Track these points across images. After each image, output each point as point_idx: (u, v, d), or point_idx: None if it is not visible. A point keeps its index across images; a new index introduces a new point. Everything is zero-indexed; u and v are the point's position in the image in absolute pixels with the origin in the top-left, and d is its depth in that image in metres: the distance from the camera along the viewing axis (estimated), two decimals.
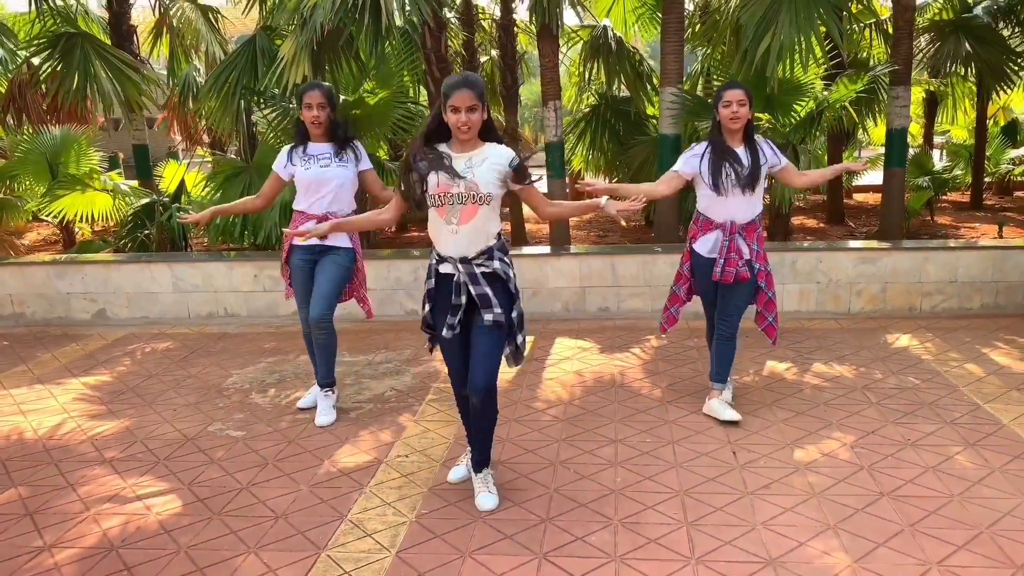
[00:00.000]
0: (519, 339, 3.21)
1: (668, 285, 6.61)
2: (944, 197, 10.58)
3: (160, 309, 6.80)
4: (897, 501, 3.22)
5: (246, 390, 4.94)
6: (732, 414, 4.06)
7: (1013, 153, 11.50)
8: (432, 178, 3.02)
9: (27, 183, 9.13)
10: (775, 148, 4.07)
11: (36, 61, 8.22)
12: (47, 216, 8.05)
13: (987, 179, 11.18)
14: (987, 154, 10.86)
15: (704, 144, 3.98)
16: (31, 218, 9.73)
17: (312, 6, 5.67)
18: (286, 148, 4.29)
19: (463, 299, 3.09)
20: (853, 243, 6.71)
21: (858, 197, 11.85)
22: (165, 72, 9.90)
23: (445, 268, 3.14)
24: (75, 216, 7.76)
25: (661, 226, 7.15)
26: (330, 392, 4.42)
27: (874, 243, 6.55)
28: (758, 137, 4.02)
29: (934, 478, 3.42)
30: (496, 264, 3.10)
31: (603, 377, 4.93)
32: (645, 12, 9.33)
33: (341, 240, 4.21)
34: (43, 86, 9.07)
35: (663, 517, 3.16)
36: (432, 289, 3.22)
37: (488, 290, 3.08)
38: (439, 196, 3.02)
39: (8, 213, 8.66)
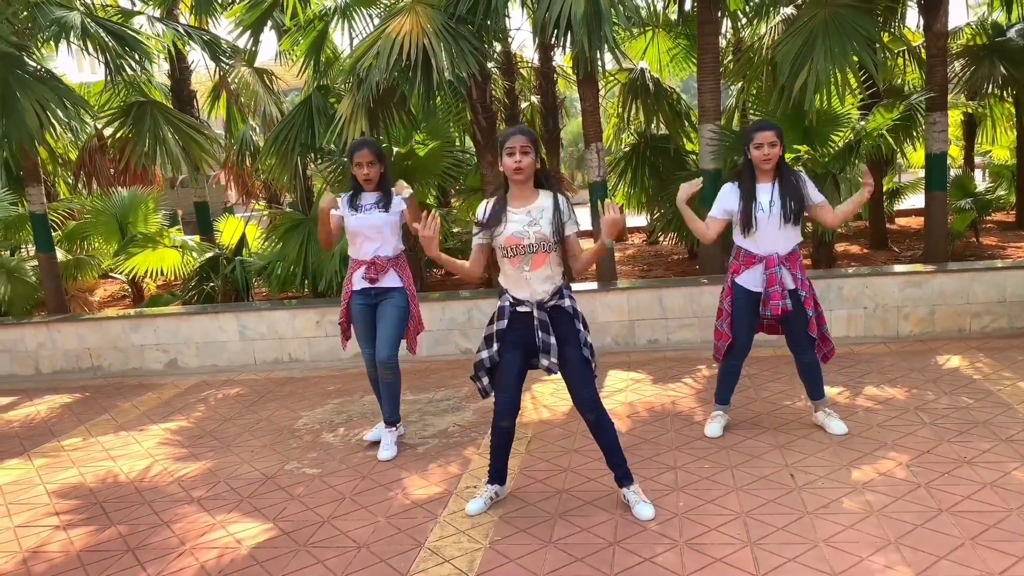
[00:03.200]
0: (592, 360, 3.59)
1: (713, 317, 6.79)
2: (988, 218, 10.55)
3: (228, 357, 7.15)
4: (956, 516, 3.32)
5: (316, 430, 5.20)
6: (839, 426, 4.33)
7: None
8: (504, 230, 3.42)
9: (97, 242, 9.66)
10: (811, 184, 4.15)
11: (109, 130, 8.78)
12: (121, 273, 8.51)
13: None
14: None
15: (733, 185, 4.13)
16: (100, 275, 10.26)
17: (368, 67, 6.04)
18: (345, 195, 4.61)
19: (552, 338, 3.46)
20: (899, 267, 6.79)
21: (901, 221, 11.86)
22: (222, 132, 10.43)
23: (523, 308, 3.50)
24: (146, 272, 8.21)
25: (705, 257, 7.31)
26: (394, 429, 4.66)
27: (919, 266, 6.63)
28: (798, 170, 4.20)
29: (992, 493, 3.50)
30: (566, 302, 3.52)
31: (656, 407, 5.08)
32: (679, 52, 9.61)
33: (394, 280, 4.49)
34: (111, 151, 9.67)
35: (726, 538, 3.29)
36: (504, 329, 3.50)
37: (552, 339, 3.47)
38: (511, 248, 3.41)
39: (82, 271, 9.17)
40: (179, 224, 12.64)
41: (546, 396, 5.50)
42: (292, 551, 3.51)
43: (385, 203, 4.47)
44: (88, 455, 5.08)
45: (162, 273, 8.33)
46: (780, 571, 3.01)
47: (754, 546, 3.20)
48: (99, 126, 10.02)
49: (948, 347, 5.91)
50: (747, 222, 4.04)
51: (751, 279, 4.14)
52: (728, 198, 4.14)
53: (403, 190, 4.47)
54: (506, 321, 3.51)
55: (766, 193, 4.03)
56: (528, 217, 3.43)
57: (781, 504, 3.55)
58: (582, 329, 3.55)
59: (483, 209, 3.58)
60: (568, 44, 6.03)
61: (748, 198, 4.04)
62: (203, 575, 3.37)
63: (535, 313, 3.46)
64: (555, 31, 5.88)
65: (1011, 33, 8.78)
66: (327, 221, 4.51)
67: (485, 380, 3.65)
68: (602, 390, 5.53)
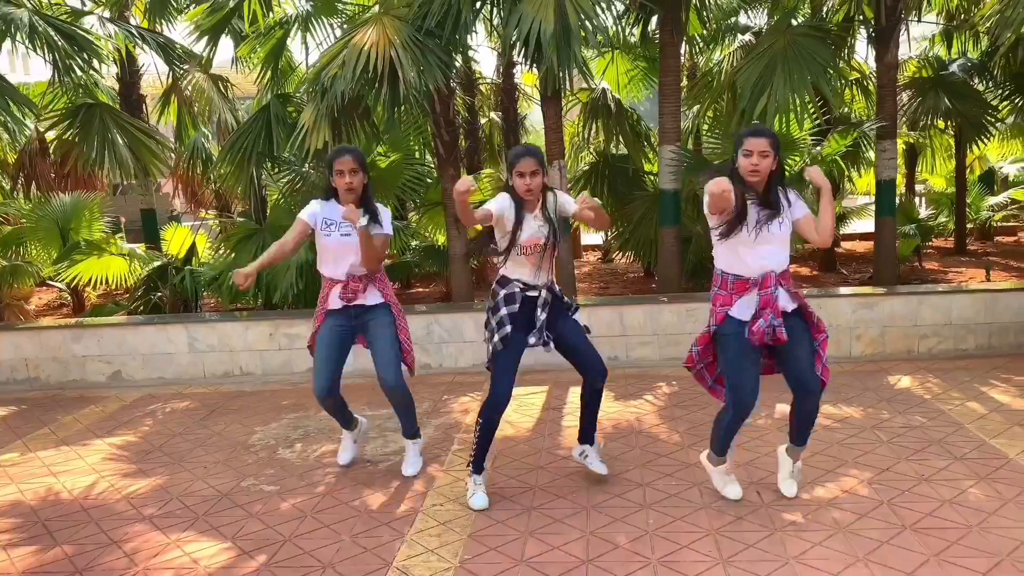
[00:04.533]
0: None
1: (675, 334, 6.87)
2: (930, 244, 10.94)
3: (176, 370, 6.91)
4: (919, 533, 3.38)
5: (272, 446, 5.05)
6: (790, 488, 3.83)
7: (991, 200, 11.94)
8: (523, 234, 3.75)
9: (35, 248, 9.28)
10: (798, 195, 3.59)
11: (53, 132, 8.47)
12: (63, 281, 8.18)
13: (969, 225, 11.57)
14: (968, 201, 11.27)
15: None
16: (36, 283, 9.85)
17: (333, 76, 5.96)
18: (317, 202, 4.15)
19: (544, 318, 3.83)
20: (851, 289, 6.96)
21: (846, 245, 12.20)
22: (171, 138, 10.15)
23: (532, 293, 3.85)
24: (89, 280, 7.90)
25: (664, 277, 7.38)
26: (418, 440, 4.48)
27: (871, 289, 6.82)
28: (793, 192, 3.58)
29: (951, 510, 3.58)
30: (557, 289, 4.03)
31: (621, 424, 5.08)
32: (637, 74, 9.75)
33: (375, 297, 4.15)
34: (54, 154, 9.33)
35: (698, 555, 3.29)
36: (515, 313, 3.80)
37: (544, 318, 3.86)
38: (531, 247, 3.78)
39: (18, 279, 8.78)
40: (122, 232, 12.23)
41: (510, 413, 5.42)
42: (253, 571, 3.38)
43: (370, 219, 4.04)
44: (27, 471, 4.83)
45: (106, 282, 8.03)
46: None
47: (726, 564, 3.20)
48: (41, 128, 9.66)
49: (899, 367, 6.07)
50: (740, 217, 3.38)
51: (744, 306, 3.48)
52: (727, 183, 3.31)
53: (357, 218, 3.91)
54: (517, 305, 3.81)
55: (754, 207, 3.46)
56: (540, 220, 3.81)
57: (750, 521, 3.57)
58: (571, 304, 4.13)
59: (501, 202, 3.74)
60: (536, 62, 6.04)
61: (742, 202, 3.38)
62: None
63: (543, 295, 3.84)
64: (523, 49, 5.89)
65: (953, 67, 9.16)
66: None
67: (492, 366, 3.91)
68: (565, 406, 5.52)
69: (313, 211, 4.13)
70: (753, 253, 3.45)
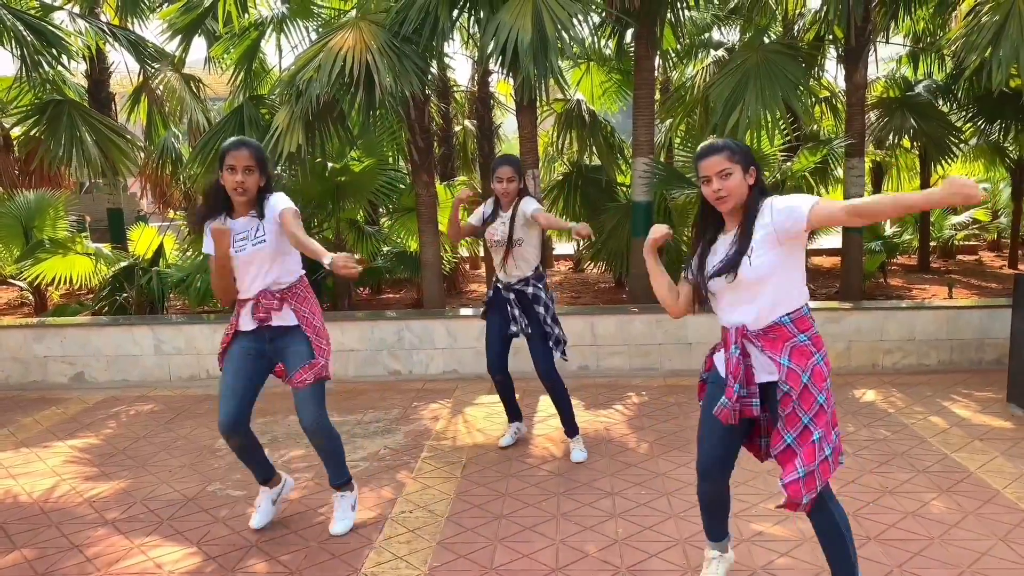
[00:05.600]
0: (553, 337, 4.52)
1: (645, 344, 6.93)
2: (895, 261, 11.14)
3: (141, 372, 6.80)
4: (883, 544, 3.43)
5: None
6: None
7: (954, 219, 12.21)
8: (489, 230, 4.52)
9: None
10: (787, 201, 2.58)
11: (19, 128, 8.30)
12: (26, 279, 8.01)
13: (932, 243, 11.81)
14: (931, 220, 11.51)
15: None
16: None
17: (308, 79, 5.93)
18: (207, 227, 3.45)
19: (518, 312, 4.50)
20: (818, 304, 7.06)
21: (814, 260, 12.39)
22: (141, 137, 10.01)
23: (499, 286, 4.56)
24: (53, 280, 7.75)
25: (635, 288, 7.43)
26: (347, 492, 3.75)
27: (837, 303, 6.93)
28: (768, 202, 2.63)
29: (914, 523, 3.65)
30: (530, 290, 4.46)
31: (590, 433, 5.10)
32: (612, 86, 9.83)
33: (288, 319, 3.52)
34: (18, 151, 9.14)
35: (667, 564, 3.31)
36: (491, 298, 4.65)
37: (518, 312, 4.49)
38: (492, 243, 4.51)
39: None
40: (87, 231, 12.01)
41: (480, 420, 5.45)
42: None
43: (258, 227, 3.38)
44: None
45: (70, 281, 7.87)
46: None
47: (694, 572, 3.23)
48: (6, 124, 9.47)
49: (863, 381, 6.17)
50: (700, 282, 2.80)
51: (722, 360, 2.82)
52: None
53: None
54: (491, 292, 4.61)
55: (723, 249, 2.73)
56: (503, 219, 4.44)
57: None
58: (542, 311, 4.46)
59: (484, 207, 4.61)
60: (513, 71, 6.07)
61: (704, 248, 2.81)
62: None
63: (502, 292, 4.50)
64: (500, 58, 5.91)
65: (919, 88, 9.37)
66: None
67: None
68: (535, 415, 5.52)
69: (208, 243, 3.48)
70: (721, 305, 2.77)
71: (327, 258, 2.99)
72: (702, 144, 2.76)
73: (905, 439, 4.80)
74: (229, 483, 4.42)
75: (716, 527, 3.04)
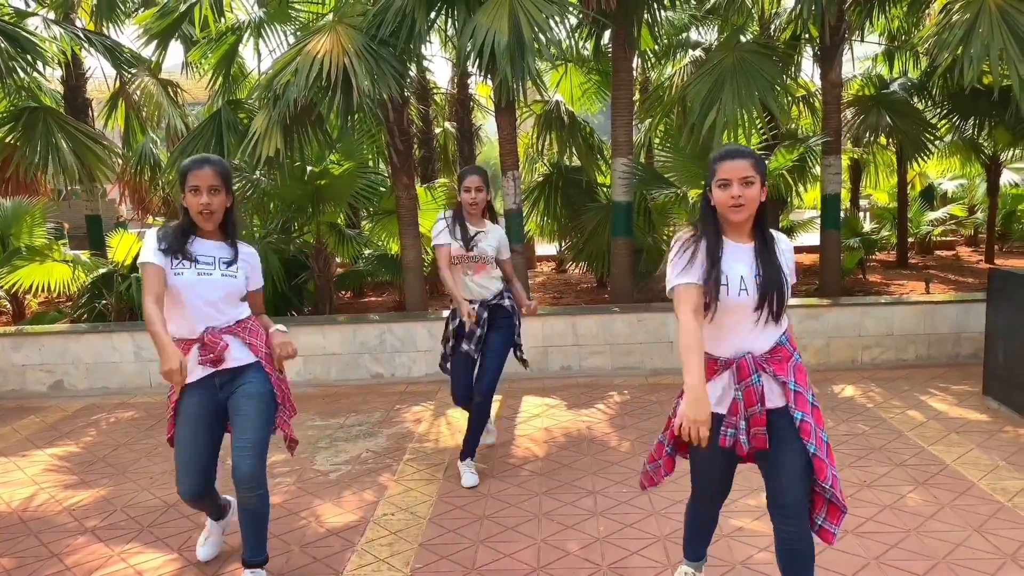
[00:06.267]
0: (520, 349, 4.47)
1: (626, 343, 6.96)
2: (873, 257, 11.26)
3: (121, 379, 6.75)
4: (861, 537, 3.47)
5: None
6: None
7: (931, 215, 12.37)
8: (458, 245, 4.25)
9: None
10: (786, 245, 2.62)
11: None
12: (2, 287, 7.94)
13: (910, 239, 11.95)
14: (909, 216, 11.65)
15: (688, 234, 2.59)
16: None
17: (285, 83, 5.91)
18: (152, 237, 3.01)
19: (479, 331, 4.27)
20: (797, 300, 7.13)
21: (795, 258, 12.52)
22: (118, 143, 9.93)
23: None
24: (31, 287, 7.68)
25: (616, 288, 7.46)
26: (259, 572, 3.14)
27: (816, 300, 6.99)
28: (775, 233, 2.59)
29: (891, 515, 3.69)
30: (506, 302, 4.34)
31: (572, 432, 5.12)
32: (590, 87, 9.87)
33: (243, 354, 3.08)
34: None
35: (648, 561, 3.33)
36: (458, 327, 4.35)
37: (479, 332, 4.28)
38: (458, 258, 4.24)
39: None
40: (65, 238, 11.90)
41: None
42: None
43: (231, 258, 3.08)
44: None
45: (49, 289, 7.80)
46: None
47: (675, 569, 3.25)
48: None
49: (842, 377, 6.23)
50: (709, 298, 2.48)
51: (712, 393, 2.55)
52: (686, 256, 2.52)
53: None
54: (458, 320, 4.31)
55: (743, 260, 2.51)
56: (478, 236, 4.27)
57: None
58: (517, 323, 4.37)
59: (444, 219, 4.31)
60: (490, 73, 6.08)
61: (713, 259, 2.49)
62: None
63: (480, 309, 4.23)
64: (478, 60, 5.92)
65: (894, 86, 9.48)
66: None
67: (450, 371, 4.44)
68: (518, 415, 5.53)
69: (155, 252, 2.95)
70: (731, 333, 2.54)
71: (279, 333, 3.21)
72: (726, 145, 2.62)
73: (883, 433, 4.85)
74: None
75: (700, 547, 2.94)
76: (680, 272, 2.50)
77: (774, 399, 2.52)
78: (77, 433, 5.59)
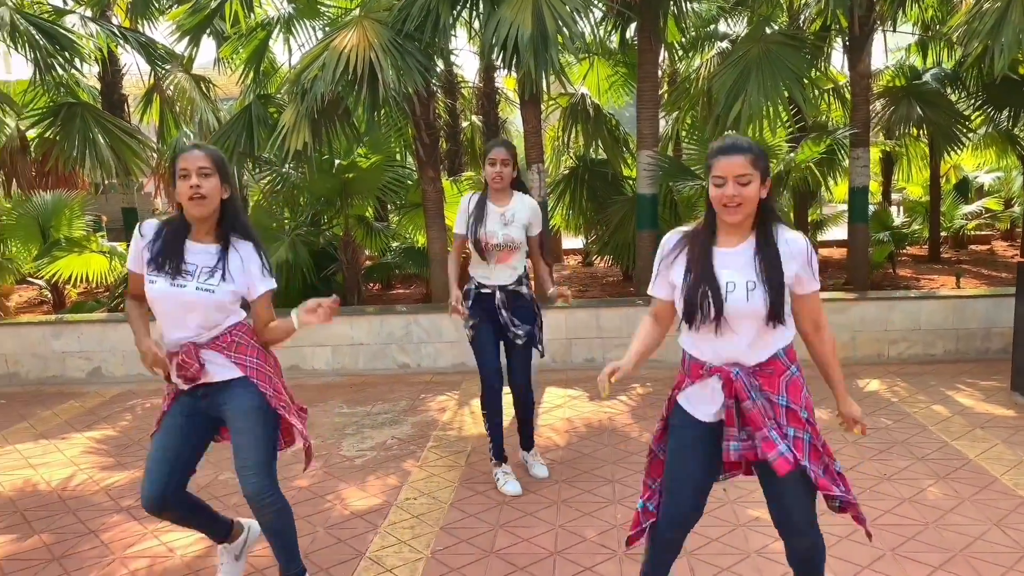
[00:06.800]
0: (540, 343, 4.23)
1: None
2: (904, 251, 11.12)
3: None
4: (878, 529, 3.49)
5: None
6: None
7: (966, 209, 12.16)
8: (483, 227, 3.99)
9: (15, 246, 9.25)
10: (813, 256, 2.37)
11: (34, 131, 8.47)
12: (44, 277, 8.18)
13: (943, 233, 11.77)
14: (942, 210, 11.47)
15: (675, 238, 2.48)
16: (16, 280, 9.82)
17: (313, 78, 6.02)
18: (135, 238, 2.79)
19: (509, 315, 4.09)
20: (823, 294, 7.08)
21: (823, 252, 12.37)
22: (154, 137, 10.15)
23: (486, 291, 4.09)
24: (69, 277, 7.91)
25: (641, 281, 7.48)
26: None
27: (842, 293, 6.95)
28: (788, 233, 2.37)
29: (910, 508, 3.70)
30: (524, 289, 4.12)
31: (593, 423, 5.18)
32: (617, 80, 9.87)
33: (227, 370, 2.80)
34: (34, 153, 9.32)
35: None
36: (471, 308, 4.10)
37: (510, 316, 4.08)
38: (483, 243, 3.99)
39: None
40: (103, 231, 12.19)
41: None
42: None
43: (213, 265, 2.72)
44: (5, 463, 4.85)
45: (87, 279, 8.03)
46: None
47: (690, 556, 3.30)
48: (22, 127, 9.64)
49: (868, 371, 6.20)
50: (689, 311, 2.36)
51: (696, 400, 2.48)
52: (666, 260, 2.47)
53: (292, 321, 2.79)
54: (471, 301, 4.07)
55: (734, 262, 2.35)
56: (502, 219, 3.99)
57: (715, 517, 3.66)
58: (538, 311, 4.18)
59: (467, 203, 4.06)
60: (514, 66, 6.13)
61: (699, 266, 2.36)
62: None
63: (497, 295, 4.04)
64: (502, 53, 5.98)
65: (927, 77, 9.34)
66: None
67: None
68: (540, 405, 5.59)
69: (136, 247, 2.77)
70: (716, 341, 2.39)
71: (294, 317, 2.74)
72: (724, 138, 2.38)
73: (906, 428, 4.84)
74: None
75: (663, 570, 2.64)
76: (653, 282, 2.54)
77: (763, 416, 2.37)
78: (114, 418, 5.77)
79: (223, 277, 2.71)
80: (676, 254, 2.43)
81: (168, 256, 2.68)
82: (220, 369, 2.79)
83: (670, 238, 2.49)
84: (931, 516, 3.60)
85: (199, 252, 2.73)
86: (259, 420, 2.80)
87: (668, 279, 2.46)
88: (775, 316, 2.31)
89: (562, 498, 3.96)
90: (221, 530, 3.11)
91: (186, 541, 3.63)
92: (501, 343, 4.14)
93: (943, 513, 3.62)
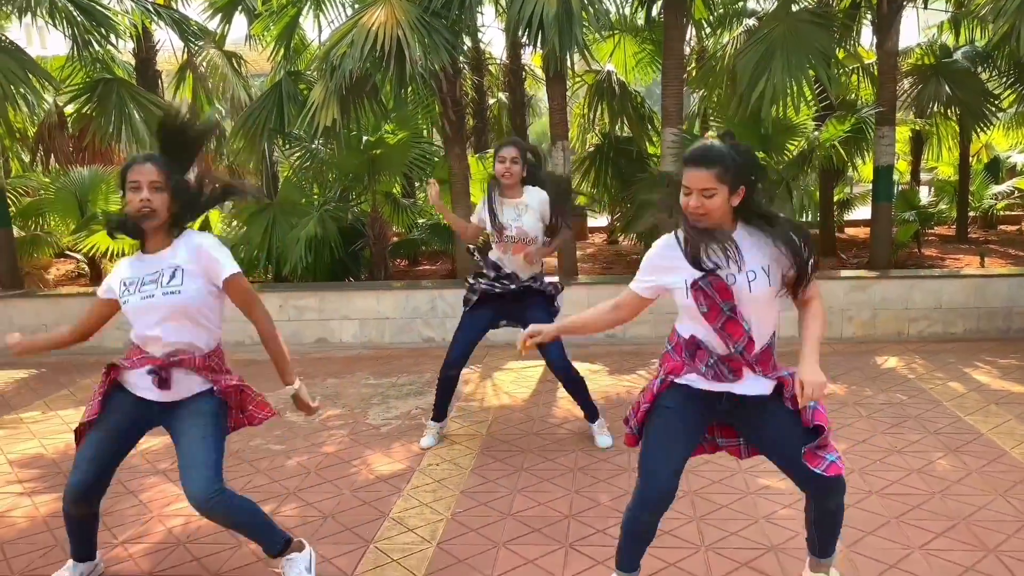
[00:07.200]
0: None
1: (670, 313, 7.01)
2: (931, 231, 11.05)
3: None
4: (884, 498, 3.58)
5: (280, 409, 5.26)
6: None
7: (995, 188, 12.02)
8: (499, 218, 4.16)
9: (54, 220, 9.55)
10: (807, 240, 2.45)
11: (72, 106, 8.71)
12: (82, 250, 8.45)
13: (972, 213, 11.66)
14: (971, 190, 11.36)
15: (667, 239, 2.54)
16: (56, 254, 10.13)
17: (342, 55, 6.15)
18: (126, 262, 2.85)
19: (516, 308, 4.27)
20: (844, 272, 7.12)
21: (849, 231, 12.33)
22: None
23: (504, 281, 4.22)
24: (106, 251, 8.16)
25: None
26: (293, 555, 2.96)
27: (864, 272, 6.98)
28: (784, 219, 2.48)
29: (918, 479, 3.78)
30: (537, 284, 4.26)
31: (612, 395, 5.30)
32: (644, 56, 9.87)
33: (195, 384, 2.84)
34: (71, 128, 9.57)
35: (675, 513, 3.50)
36: (476, 298, 4.29)
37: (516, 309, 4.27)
38: (498, 235, 4.16)
39: (38, 249, 9.05)
40: None
41: (507, 384, 5.69)
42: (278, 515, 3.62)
43: (173, 267, 2.73)
44: (48, 427, 5.10)
45: (124, 253, 8.27)
46: (723, 543, 3.23)
47: (700, 521, 3.42)
48: (60, 102, 9.90)
49: (887, 349, 6.25)
50: (707, 304, 2.45)
51: (701, 377, 2.55)
52: (661, 260, 2.54)
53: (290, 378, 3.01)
54: (485, 284, 4.22)
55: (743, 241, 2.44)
56: (515, 212, 4.14)
57: (726, 485, 3.78)
58: (554, 294, 4.30)
59: (484, 200, 4.25)
60: (539, 43, 6.21)
61: (699, 257, 2.41)
62: (171, 539, 3.48)
63: (511, 286, 4.18)
64: (527, 30, 6.05)
65: (957, 55, 9.24)
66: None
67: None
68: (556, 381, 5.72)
69: (107, 282, 2.89)
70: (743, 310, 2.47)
71: (292, 386, 2.94)
72: (698, 146, 2.43)
73: (921, 403, 4.90)
74: (270, 439, 4.72)
75: (636, 556, 2.73)
76: (639, 279, 2.60)
77: (758, 388, 2.54)
78: None
79: (184, 276, 2.72)
80: (672, 259, 2.47)
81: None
82: (191, 386, 2.83)
83: (667, 242, 2.53)
84: (937, 487, 3.69)
85: (156, 260, 2.75)
86: (214, 423, 2.82)
87: (660, 282, 2.54)
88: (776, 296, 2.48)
89: (578, 466, 4.10)
90: (89, 551, 3.07)
91: None
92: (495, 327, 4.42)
93: (949, 484, 3.71)
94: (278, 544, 2.93)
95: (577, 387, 4.35)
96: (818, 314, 2.59)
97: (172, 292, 2.70)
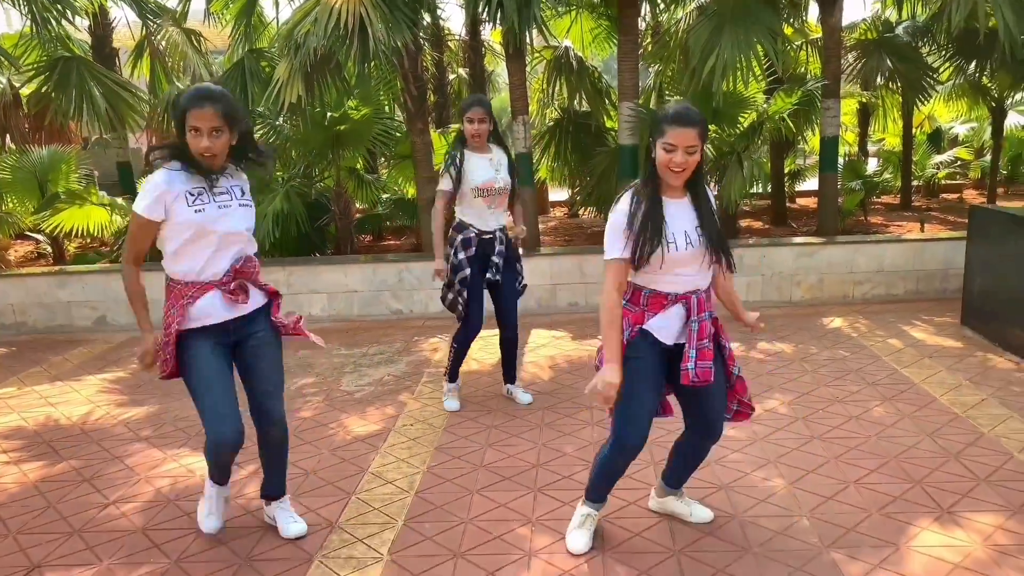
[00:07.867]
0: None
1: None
2: (877, 200, 11.50)
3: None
4: (825, 442, 3.92)
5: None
6: (703, 513, 3.26)
7: (937, 158, 12.53)
8: (476, 175, 4.30)
9: (12, 201, 9.47)
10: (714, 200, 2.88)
11: (29, 86, 8.63)
12: (46, 230, 8.42)
13: (915, 183, 12.14)
14: (915, 160, 11.83)
15: (627, 198, 2.70)
16: (15, 234, 10.04)
17: (305, 32, 6.25)
18: (162, 172, 2.81)
19: (500, 260, 4.40)
20: (793, 239, 7.47)
21: (801, 201, 12.74)
22: (146, 92, 10.30)
23: (487, 236, 4.36)
24: (71, 230, 8.16)
25: None
26: (286, 498, 3.34)
27: (811, 238, 7.33)
28: (711, 192, 2.88)
29: (856, 425, 4.13)
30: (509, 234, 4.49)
31: (575, 360, 5.58)
32: (601, 32, 10.07)
33: (257, 298, 3.02)
34: (28, 108, 9.47)
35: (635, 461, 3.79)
36: (472, 256, 4.34)
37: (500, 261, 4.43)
38: (486, 190, 4.30)
39: None
40: (96, 185, 12.36)
41: (475, 351, 5.90)
42: (245, 477, 3.83)
43: (243, 185, 2.99)
44: (25, 402, 5.21)
45: (88, 232, 8.29)
46: None
47: (657, 466, 3.71)
48: (15, 82, 9.77)
49: (833, 311, 6.62)
50: (648, 251, 2.63)
51: (664, 325, 2.77)
52: (624, 221, 2.67)
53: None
54: (474, 248, 4.33)
55: (683, 216, 2.70)
56: (492, 165, 4.33)
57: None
58: (518, 252, 4.56)
59: (452, 159, 4.29)
60: (498, 20, 6.38)
61: (653, 217, 2.64)
62: (161, 498, 3.66)
63: (498, 235, 4.36)
64: (486, 7, 6.22)
65: (899, 30, 9.61)
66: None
67: (462, 301, 4.37)
68: (525, 346, 5.99)
69: (160, 193, 2.78)
70: (683, 274, 2.74)
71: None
72: (679, 107, 2.61)
73: (862, 358, 5.26)
74: (245, 404, 4.89)
75: (606, 491, 3.05)
76: (615, 244, 2.67)
77: (708, 331, 2.81)
78: (123, 361, 6.12)
79: (251, 190, 3.01)
80: (635, 212, 2.64)
81: (204, 185, 2.81)
82: (255, 298, 2.99)
83: (626, 198, 2.69)
84: (873, 430, 4.03)
85: (223, 177, 2.89)
86: (279, 351, 3.10)
87: (631, 237, 2.64)
88: (726, 254, 2.76)
89: (544, 422, 4.36)
90: (282, 486, 3.32)
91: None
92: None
93: (884, 428, 4.06)
94: (283, 487, 3.30)
95: (514, 350, 4.70)
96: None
97: (247, 205, 2.95)
